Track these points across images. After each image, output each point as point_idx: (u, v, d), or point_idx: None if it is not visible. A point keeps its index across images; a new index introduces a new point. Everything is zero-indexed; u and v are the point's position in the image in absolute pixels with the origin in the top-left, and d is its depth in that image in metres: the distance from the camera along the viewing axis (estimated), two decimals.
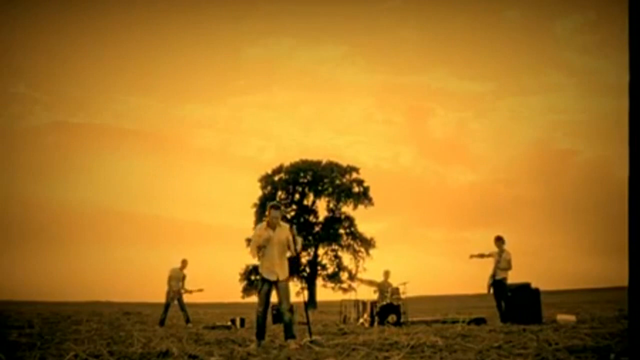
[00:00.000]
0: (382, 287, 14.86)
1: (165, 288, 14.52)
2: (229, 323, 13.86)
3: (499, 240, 12.92)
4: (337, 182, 49.31)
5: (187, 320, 14.38)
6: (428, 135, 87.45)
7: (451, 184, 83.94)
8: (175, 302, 14.56)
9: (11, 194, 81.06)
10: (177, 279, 14.50)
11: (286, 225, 8.19)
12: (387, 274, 15.28)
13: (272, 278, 8.01)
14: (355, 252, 49.03)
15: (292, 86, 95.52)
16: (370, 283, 15.40)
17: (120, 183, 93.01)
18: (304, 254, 49.11)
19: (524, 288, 12.78)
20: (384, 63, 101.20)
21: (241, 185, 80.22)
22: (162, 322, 13.94)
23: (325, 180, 49.35)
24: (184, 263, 14.62)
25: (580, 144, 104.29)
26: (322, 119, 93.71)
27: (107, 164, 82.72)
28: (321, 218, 49.89)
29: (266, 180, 49.89)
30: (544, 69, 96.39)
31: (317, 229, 49.32)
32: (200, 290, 14.73)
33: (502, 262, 12.74)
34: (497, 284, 12.75)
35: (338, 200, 49.45)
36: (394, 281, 15.09)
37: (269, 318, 15.67)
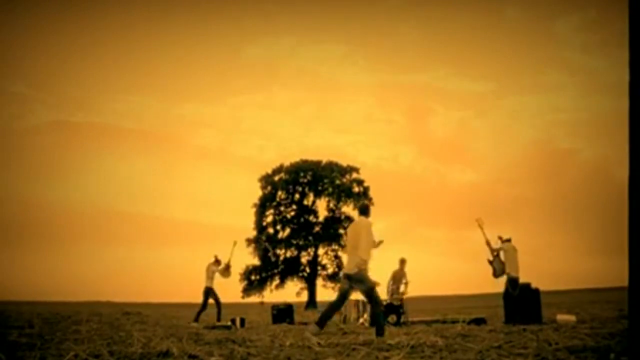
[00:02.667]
0: (397, 276, 14.80)
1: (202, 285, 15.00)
2: (229, 323, 13.86)
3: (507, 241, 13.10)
4: (337, 182, 49.34)
5: (196, 319, 14.60)
6: (428, 135, 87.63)
7: (451, 184, 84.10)
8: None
9: (11, 193, 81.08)
10: (209, 275, 14.89)
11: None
12: (403, 262, 15.11)
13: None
14: None
15: (292, 86, 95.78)
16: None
17: (120, 183, 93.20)
18: (303, 253, 49.14)
19: (524, 288, 12.81)
20: (384, 62, 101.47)
21: (241, 185, 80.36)
22: (196, 319, 14.40)
23: (325, 180, 49.37)
24: (216, 259, 14.97)
25: (581, 144, 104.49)
26: (323, 119, 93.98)
27: (107, 164, 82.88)
28: (321, 218, 49.92)
29: (266, 180, 49.90)
30: (545, 68, 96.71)
31: (317, 229, 49.33)
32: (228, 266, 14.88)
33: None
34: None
35: (338, 200, 49.47)
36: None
37: (269, 318, 15.70)
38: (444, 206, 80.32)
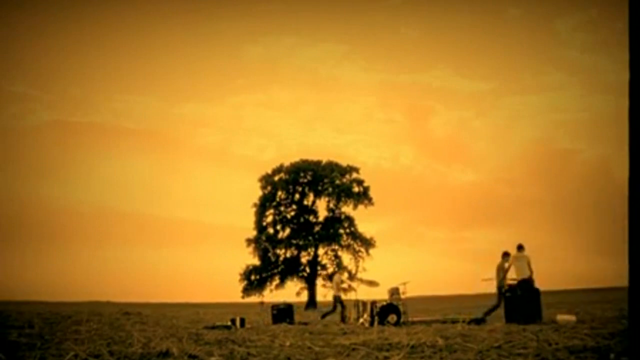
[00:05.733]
0: (500, 269, 14.66)
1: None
2: (229, 323, 13.85)
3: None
4: (337, 182, 49.31)
5: (324, 315, 17.14)
6: (429, 134, 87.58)
7: (452, 183, 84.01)
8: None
9: (11, 193, 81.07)
10: (337, 286, 17.26)
11: None
12: (507, 255, 14.74)
13: None
14: (355, 252, 49.03)
15: (292, 85, 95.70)
16: (371, 283, 15.43)
17: (120, 183, 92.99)
18: (303, 253, 49.10)
19: (524, 287, 12.87)
20: (384, 62, 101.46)
21: (241, 185, 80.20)
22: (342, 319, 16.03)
23: (325, 180, 49.35)
24: (339, 271, 16.52)
25: (581, 143, 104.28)
26: (323, 118, 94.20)
27: (107, 163, 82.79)
28: (321, 218, 49.90)
29: (266, 180, 49.88)
30: (545, 67, 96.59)
31: (317, 229, 49.30)
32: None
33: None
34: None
35: (338, 200, 49.45)
36: (394, 281, 15.09)
37: (269, 318, 15.69)
38: (444, 206, 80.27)
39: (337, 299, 17.10)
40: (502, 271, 14.39)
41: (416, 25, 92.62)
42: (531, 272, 13.62)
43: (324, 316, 17.27)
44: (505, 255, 14.64)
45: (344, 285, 17.96)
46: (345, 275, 18.41)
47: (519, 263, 13.84)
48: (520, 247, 14.10)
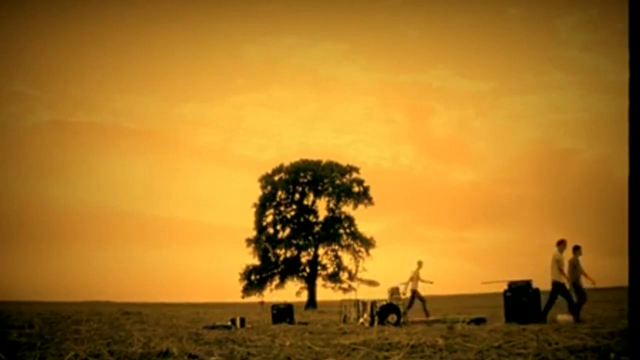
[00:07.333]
0: (556, 260, 13.66)
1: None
2: (229, 323, 13.85)
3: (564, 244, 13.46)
4: (337, 181, 49.29)
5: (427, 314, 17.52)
6: (429, 134, 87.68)
7: (452, 183, 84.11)
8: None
9: (11, 193, 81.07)
10: (414, 279, 17.88)
11: None
12: (561, 244, 13.82)
13: None
14: (355, 252, 49.02)
15: (292, 85, 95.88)
16: (371, 283, 15.42)
17: (120, 183, 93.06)
18: (303, 253, 49.06)
19: (525, 287, 12.86)
20: (384, 61, 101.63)
21: (241, 185, 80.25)
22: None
23: (325, 180, 49.33)
24: (420, 264, 17.96)
25: (582, 143, 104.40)
26: (323, 118, 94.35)
27: (107, 163, 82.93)
28: (321, 218, 49.88)
29: (266, 180, 49.86)
30: (545, 67, 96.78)
31: (317, 228, 49.28)
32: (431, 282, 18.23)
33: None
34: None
35: (338, 200, 49.43)
36: (394, 281, 15.10)
37: (269, 318, 15.69)
38: (444, 206, 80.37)
39: (415, 293, 17.75)
40: (557, 263, 13.37)
41: (416, 25, 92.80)
42: (563, 275, 13.16)
43: (404, 313, 15.04)
44: (560, 243, 13.58)
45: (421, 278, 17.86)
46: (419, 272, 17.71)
47: (551, 263, 13.36)
48: (559, 243, 13.41)
